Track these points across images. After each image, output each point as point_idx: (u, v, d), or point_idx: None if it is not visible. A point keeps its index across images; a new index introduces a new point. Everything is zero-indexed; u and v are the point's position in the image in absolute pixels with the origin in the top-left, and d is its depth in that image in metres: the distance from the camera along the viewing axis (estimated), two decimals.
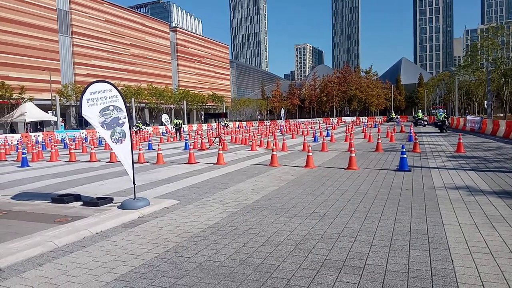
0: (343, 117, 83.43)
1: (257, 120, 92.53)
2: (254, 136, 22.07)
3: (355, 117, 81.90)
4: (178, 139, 30.30)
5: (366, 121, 57.71)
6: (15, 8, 51.00)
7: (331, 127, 37.79)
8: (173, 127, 33.95)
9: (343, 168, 11.30)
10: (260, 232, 5.33)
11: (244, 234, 5.28)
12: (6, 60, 49.55)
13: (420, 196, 7.30)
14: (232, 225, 5.77)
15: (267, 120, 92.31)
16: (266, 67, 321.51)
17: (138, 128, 40.82)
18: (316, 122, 69.36)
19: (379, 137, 17.45)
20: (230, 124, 54.98)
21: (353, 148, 11.74)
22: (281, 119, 35.14)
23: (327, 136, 25.23)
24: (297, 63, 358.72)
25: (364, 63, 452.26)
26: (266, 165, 12.63)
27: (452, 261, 4.10)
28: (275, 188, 8.56)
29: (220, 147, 14.65)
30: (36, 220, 6.24)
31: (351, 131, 26.66)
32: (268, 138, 21.63)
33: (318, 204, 6.93)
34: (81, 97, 6.69)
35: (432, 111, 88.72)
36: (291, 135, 27.69)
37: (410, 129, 25.03)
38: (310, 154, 11.92)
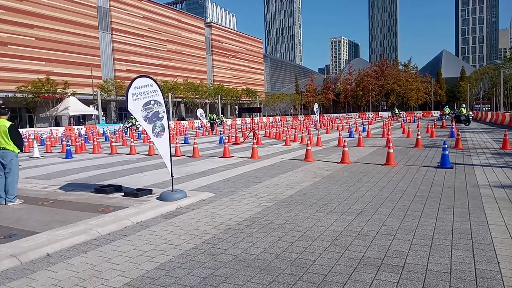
0: (379, 112, 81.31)
1: (290, 114, 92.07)
2: (288, 131, 21.98)
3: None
4: (212, 133, 30.80)
5: (404, 116, 55.87)
6: (59, 6, 53.38)
7: (367, 122, 36.97)
8: (208, 121, 34.54)
9: (381, 164, 11.04)
10: (295, 227, 5.32)
11: (279, 229, 5.29)
12: (50, 57, 52.06)
13: (463, 195, 7.01)
14: (267, 219, 5.80)
15: (301, 115, 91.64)
16: (300, 61, 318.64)
17: (131, 124, 36.65)
18: (352, 117, 68.05)
19: (419, 132, 16.88)
20: (229, 121, 52.77)
21: (391, 144, 11.43)
22: (315, 114, 34.67)
23: (363, 131, 24.72)
24: (332, 57, 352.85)
25: (402, 56, 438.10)
26: (301, 160, 12.56)
27: (499, 263, 3.91)
28: (310, 183, 8.51)
29: (254, 141, 14.71)
30: (81, 209, 6.54)
31: (388, 126, 25.94)
32: (302, 133, 21.47)
33: (354, 200, 6.82)
34: (127, 92, 6.92)
35: (475, 105, 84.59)
36: (326, 130, 27.35)
37: (452, 125, 24.02)
38: (346, 149, 11.73)
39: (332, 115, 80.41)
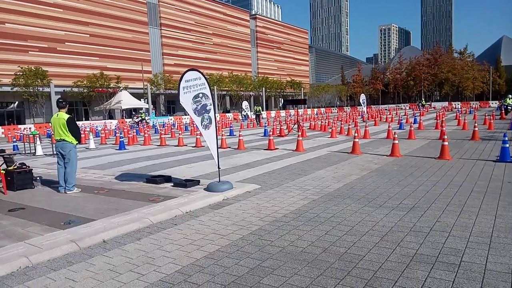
0: (432, 103, 77.37)
1: (336, 106, 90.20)
2: (334, 123, 21.57)
3: (447, 102, 75.42)
4: (257, 125, 30.97)
5: (459, 107, 52.83)
6: (112, 3, 55.77)
7: (419, 113, 35.36)
8: (253, 114, 34.80)
9: (434, 158, 10.51)
10: (343, 221, 5.21)
11: (326, 222, 5.21)
12: (104, 52, 54.68)
13: None
14: (314, 212, 5.73)
15: (347, 106, 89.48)
16: (347, 51, 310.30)
17: (140, 118, 34.56)
18: (402, 108, 65.38)
19: (476, 124, 15.88)
20: (273, 113, 48.21)
21: (445, 136, 10.84)
22: (361, 105, 33.66)
23: (414, 123, 23.68)
24: (381, 46, 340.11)
25: (457, 43, 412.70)
26: (347, 152, 12.28)
27: None
28: (357, 177, 8.29)
29: (299, 133, 14.58)
30: (133, 198, 6.85)
31: (442, 117, 24.64)
32: (348, 125, 20.95)
33: (405, 195, 6.55)
34: (179, 86, 7.11)
35: None
36: (374, 122, 26.51)
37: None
38: (396, 142, 11.29)
39: (381, 106, 77.74)
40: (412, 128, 16.27)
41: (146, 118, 35.06)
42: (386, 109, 57.22)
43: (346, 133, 19.36)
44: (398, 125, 22.28)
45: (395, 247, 4.20)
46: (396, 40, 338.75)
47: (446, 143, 10.48)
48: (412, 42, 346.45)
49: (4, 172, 8.05)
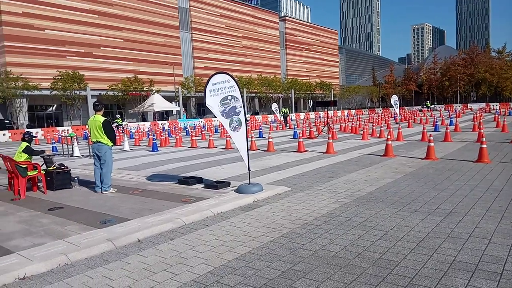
0: (469, 104, 74.47)
1: (367, 108, 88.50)
2: (365, 125, 21.16)
3: (484, 103, 72.32)
4: (286, 127, 30.94)
5: (498, 108, 50.57)
6: (145, 8, 57.34)
7: (454, 115, 34.12)
8: (281, 116, 34.87)
9: (472, 161, 10.10)
10: (377, 226, 5.10)
11: (358, 226, 5.11)
12: (137, 57, 56.26)
13: None
14: (346, 216, 5.64)
15: (378, 107, 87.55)
16: (378, 51, 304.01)
17: (116, 124, 32.40)
18: (437, 109, 63.26)
19: None
20: (302, 115, 44.82)
21: (483, 139, 10.40)
22: (393, 106, 32.87)
23: (450, 124, 22.86)
24: (414, 45, 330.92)
25: (495, 42, 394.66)
26: (380, 155, 12.01)
27: None
28: (391, 180, 8.09)
29: (330, 136, 14.40)
30: (166, 199, 6.98)
31: (479, 119, 23.65)
32: (380, 127, 20.50)
33: (442, 199, 6.32)
34: (205, 88, 7.20)
35: None
36: (407, 124, 25.80)
37: None
38: (431, 144, 10.93)
39: (414, 107, 75.55)
40: (448, 130, 15.71)
41: (123, 123, 33.98)
42: (420, 111, 55.54)
43: (378, 135, 18.95)
44: (433, 127, 21.58)
45: (432, 254, 4.06)
46: (430, 39, 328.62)
47: (484, 145, 10.04)
48: (447, 42, 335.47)
49: (44, 172, 8.43)
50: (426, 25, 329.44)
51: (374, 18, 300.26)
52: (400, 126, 18.11)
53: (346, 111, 66.82)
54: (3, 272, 3.88)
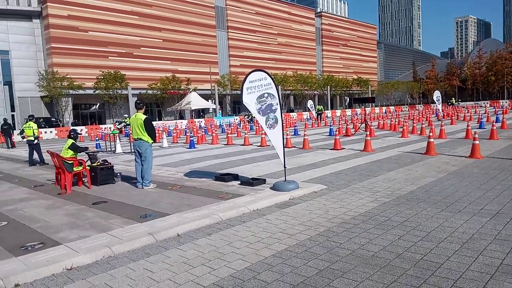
0: (463, 103, 70.44)
1: (407, 104, 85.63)
2: (405, 122, 20.48)
3: None
4: (321, 124, 30.68)
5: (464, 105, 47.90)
6: (183, 9, 58.50)
7: (501, 111, 32.29)
8: (316, 113, 34.65)
9: None
10: (418, 226, 4.93)
11: (399, 226, 4.97)
12: (175, 56, 57.54)
13: None
14: (385, 215, 5.50)
15: (419, 104, 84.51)
16: (419, 45, 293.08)
17: (124, 124, 29.10)
18: (481, 106, 60.19)
19: None
20: (338, 112, 42.24)
21: None
22: (435, 103, 31.55)
23: (496, 121, 21.66)
24: (457, 39, 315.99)
25: None
26: (421, 153, 11.59)
27: None
28: (433, 179, 7.79)
29: (367, 133, 14.07)
30: (203, 195, 7.12)
31: None
32: (421, 124, 19.76)
33: (488, 200, 6.02)
34: (242, 86, 7.26)
35: None
36: (450, 121, 24.73)
37: None
38: (477, 142, 10.41)
39: (458, 103, 72.23)
40: (495, 128, 14.91)
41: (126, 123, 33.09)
42: (463, 107, 53.08)
43: (418, 132, 18.30)
44: (478, 124, 20.55)
45: (478, 256, 3.88)
46: (474, 32, 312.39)
47: None
48: (493, 35, 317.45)
49: (89, 168, 8.84)
50: (471, 17, 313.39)
51: (414, 11, 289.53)
52: (442, 123, 17.36)
53: (384, 108, 65.02)
54: (52, 263, 4.12)
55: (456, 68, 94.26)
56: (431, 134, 11.82)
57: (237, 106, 66.18)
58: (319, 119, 33.62)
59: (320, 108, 35.25)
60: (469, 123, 16.81)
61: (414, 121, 25.57)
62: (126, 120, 33.19)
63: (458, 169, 8.76)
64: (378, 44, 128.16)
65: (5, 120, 24.40)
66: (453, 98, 62.04)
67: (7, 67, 43.94)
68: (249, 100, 7.26)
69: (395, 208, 5.84)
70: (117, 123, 31.66)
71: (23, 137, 14.05)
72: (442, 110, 35.60)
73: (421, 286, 3.30)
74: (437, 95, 31.72)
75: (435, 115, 34.67)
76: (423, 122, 22.21)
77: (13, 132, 24.97)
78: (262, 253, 4.28)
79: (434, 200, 6.18)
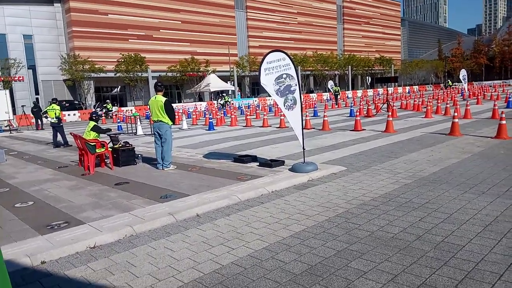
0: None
1: (431, 83, 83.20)
2: (429, 102, 19.93)
3: None
4: (335, 105, 30.34)
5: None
6: None
7: None
8: (334, 93, 34.23)
9: None
10: (440, 208, 4.84)
11: (420, 208, 4.88)
12: (194, 38, 57.34)
13: None
14: (406, 197, 5.42)
15: (443, 83, 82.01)
16: (445, 22, 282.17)
17: (224, 101, 33.61)
18: (510, 85, 57.88)
19: None
20: (232, 99, 41.71)
21: None
22: (461, 82, 30.50)
23: None
24: (486, 15, 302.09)
25: None
26: (445, 134, 11.30)
27: None
28: (456, 160, 7.60)
29: (389, 113, 13.78)
30: (222, 176, 7.17)
31: None
32: (446, 104, 19.19)
33: None
34: (260, 67, 7.18)
35: None
36: (476, 100, 23.93)
37: None
38: (503, 122, 10.05)
39: (484, 82, 69.76)
40: None
41: (113, 109, 32.86)
42: (490, 86, 51.20)
43: (443, 112, 17.81)
44: (506, 104, 19.80)
45: (501, 238, 3.79)
46: (504, 8, 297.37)
47: None
48: None
49: (111, 149, 9.02)
50: None
51: None
52: (468, 103, 16.82)
53: (407, 88, 63.41)
54: (76, 241, 4.26)
55: (484, 46, 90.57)
56: (455, 114, 11.47)
57: (256, 88, 65.81)
58: (336, 100, 33.19)
59: (337, 90, 34.82)
60: (495, 103, 16.21)
61: (439, 101, 24.86)
62: (108, 106, 30.91)
63: (483, 150, 8.51)
64: (402, 21, 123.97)
65: (35, 103, 25.24)
66: (449, 80, 60.86)
67: (31, 51, 44.86)
68: (267, 81, 7.18)
69: (417, 189, 5.74)
70: (98, 109, 30.38)
71: (45, 117, 15.57)
72: (468, 90, 34.43)
73: (441, 268, 3.25)
74: (463, 73, 30.63)
75: (460, 94, 33.59)
76: (448, 102, 21.56)
77: (42, 114, 25.72)
78: (280, 233, 4.30)
79: (457, 181, 6.03)
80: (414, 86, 69.21)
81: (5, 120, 23.56)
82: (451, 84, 55.83)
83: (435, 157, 8.10)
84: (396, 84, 69.16)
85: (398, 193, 5.63)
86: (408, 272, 3.22)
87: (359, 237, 4.06)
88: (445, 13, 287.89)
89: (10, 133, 22.36)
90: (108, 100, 35.56)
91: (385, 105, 20.72)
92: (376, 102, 25.74)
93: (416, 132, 12.12)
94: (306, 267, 3.43)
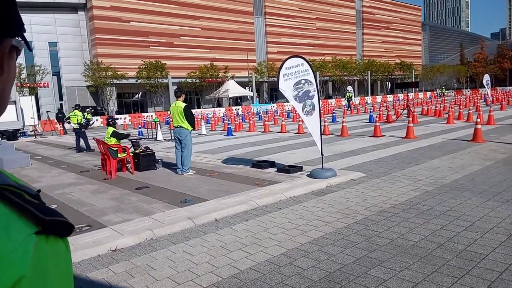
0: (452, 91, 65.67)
1: (453, 89, 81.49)
2: (451, 107, 19.54)
3: None
4: (347, 111, 30.05)
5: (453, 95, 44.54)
6: None
7: None
8: (345, 100, 33.97)
9: None
10: (462, 216, 4.74)
11: (441, 216, 4.79)
12: (214, 44, 57.97)
13: None
14: (427, 204, 5.32)
15: (466, 88, 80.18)
16: (467, 27, 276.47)
17: (86, 120, 21.44)
18: (452, 96, 56.44)
19: None
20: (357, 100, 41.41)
21: None
22: (484, 87, 29.79)
23: None
24: (510, 19, 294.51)
25: None
26: (467, 140, 11.05)
27: None
28: (479, 168, 7.42)
29: (410, 119, 13.57)
30: (240, 182, 7.21)
31: None
32: (468, 110, 18.77)
33: None
34: (278, 73, 7.22)
35: None
36: (500, 106, 23.30)
37: None
38: None
39: (508, 88, 67.87)
40: None
41: (92, 120, 28.93)
42: (439, 96, 50.66)
43: (465, 118, 17.43)
44: None
45: None
46: None
47: None
48: None
49: (132, 154, 9.19)
50: None
51: None
52: (491, 109, 16.39)
53: (429, 93, 62.30)
54: (98, 244, 4.36)
55: (508, 50, 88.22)
56: (478, 120, 11.21)
57: (274, 93, 65.88)
58: (348, 106, 32.79)
59: (350, 96, 34.52)
60: None
61: (461, 107, 24.33)
62: (87, 115, 24.09)
63: (507, 157, 8.28)
64: (422, 26, 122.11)
65: (59, 109, 25.99)
66: (443, 88, 60.79)
67: (56, 58, 46.26)
68: (286, 87, 7.21)
69: (438, 197, 5.63)
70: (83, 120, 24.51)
71: (68, 123, 16.24)
72: (491, 95, 33.57)
73: (463, 277, 3.18)
74: (486, 79, 29.91)
75: (484, 100, 32.78)
76: (471, 107, 21.02)
77: (65, 120, 26.37)
78: (298, 239, 4.29)
79: (480, 189, 5.89)
80: (435, 92, 67.89)
81: (30, 125, 24.33)
82: (444, 92, 56.20)
83: (457, 164, 7.94)
84: (417, 89, 68.07)
85: (419, 200, 5.53)
86: (429, 280, 3.17)
87: (378, 244, 4.02)
88: (468, 17, 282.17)
89: (35, 138, 23.06)
90: (88, 110, 29.13)
91: (406, 111, 20.41)
92: (396, 107, 25.39)
93: (438, 139, 11.90)
94: (324, 274, 3.42)
